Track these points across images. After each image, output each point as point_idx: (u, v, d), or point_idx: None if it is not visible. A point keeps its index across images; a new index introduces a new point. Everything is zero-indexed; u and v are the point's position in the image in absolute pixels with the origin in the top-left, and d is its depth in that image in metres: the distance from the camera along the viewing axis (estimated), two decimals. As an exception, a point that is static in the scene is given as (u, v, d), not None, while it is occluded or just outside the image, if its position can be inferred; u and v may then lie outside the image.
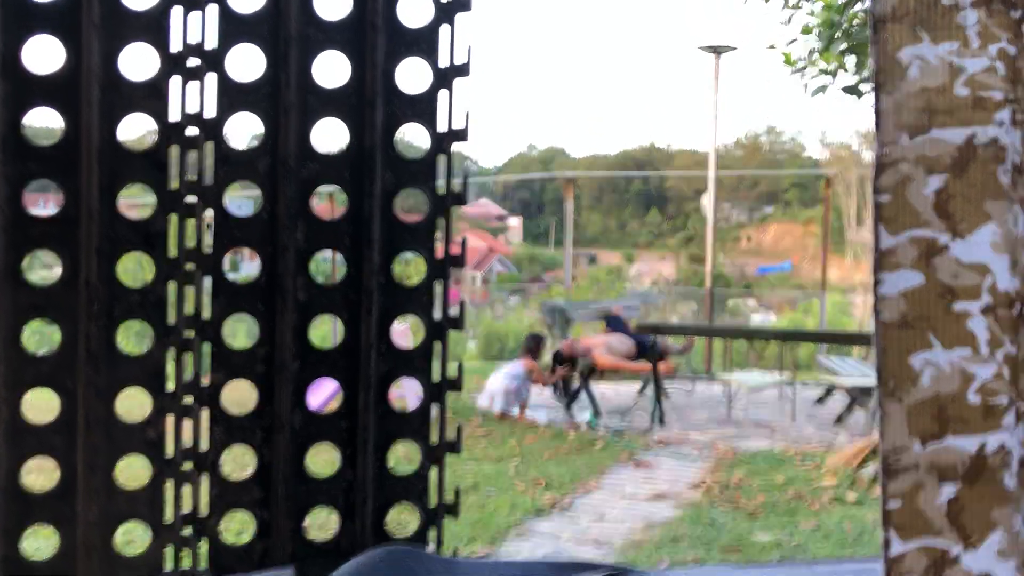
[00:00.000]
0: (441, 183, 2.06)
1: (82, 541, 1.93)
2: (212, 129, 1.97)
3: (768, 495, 5.12)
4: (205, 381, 2.02)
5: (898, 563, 1.21)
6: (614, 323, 9.18)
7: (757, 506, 4.90)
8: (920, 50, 1.20)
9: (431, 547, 2.11)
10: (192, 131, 1.95)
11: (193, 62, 1.95)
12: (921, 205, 1.20)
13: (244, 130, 2.15)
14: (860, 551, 4.18)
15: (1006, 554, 1.21)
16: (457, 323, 2.08)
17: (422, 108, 2.05)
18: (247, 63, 1.97)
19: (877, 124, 1.21)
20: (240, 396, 2.51)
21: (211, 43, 1.96)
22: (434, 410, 2.13)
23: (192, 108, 1.95)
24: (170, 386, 1.98)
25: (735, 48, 12.20)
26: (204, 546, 2.04)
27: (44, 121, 1.92)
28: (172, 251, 1.96)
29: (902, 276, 1.20)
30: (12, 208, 1.87)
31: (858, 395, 7.29)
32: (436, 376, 2.10)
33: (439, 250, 2.09)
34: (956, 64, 1.20)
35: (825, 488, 5.25)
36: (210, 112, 1.97)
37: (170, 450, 1.99)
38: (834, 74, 7.12)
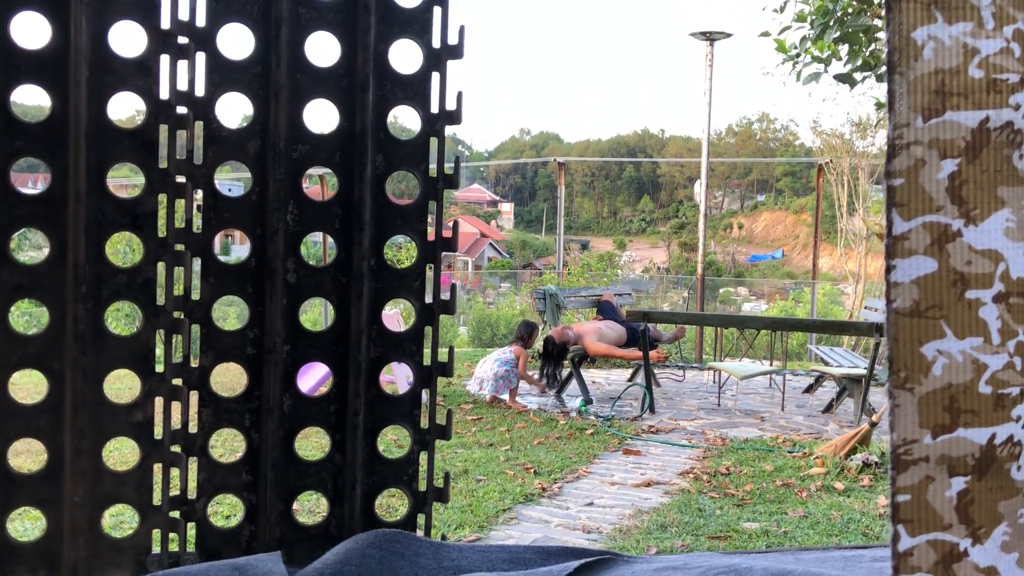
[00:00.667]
0: (433, 166, 2.05)
1: (69, 523, 1.93)
2: (202, 108, 1.95)
3: (756, 483, 5.14)
4: (194, 363, 2.01)
5: (907, 558, 1.19)
6: (605, 310, 9.19)
7: (745, 494, 4.92)
8: (934, 30, 1.17)
9: (420, 532, 2.11)
10: (182, 110, 1.94)
11: (183, 40, 1.93)
12: (935, 190, 1.18)
13: (234, 110, 2.13)
14: (847, 539, 4.20)
15: (1010, 547, 1.20)
16: (448, 308, 2.07)
17: (414, 90, 2.04)
18: (237, 42, 1.95)
19: (890, 105, 1.17)
20: (229, 379, 2.51)
21: (201, 21, 1.94)
22: (424, 395, 2.13)
23: (182, 87, 1.94)
24: (159, 368, 1.98)
25: (729, 35, 12.15)
26: (192, 529, 2.04)
27: (35, 99, 1.91)
28: (161, 232, 1.95)
29: (915, 263, 1.18)
30: (-1, 187, 1.85)
31: (847, 384, 7.32)
32: (427, 361, 2.10)
33: (430, 234, 2.08)
34: (970, 45, 1.17)
35: (813, 477, 5.28)
36: (200, 91, 1.95)
37: (158, 432, 1.98)
38: (827, 62, 7.12)
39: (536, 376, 8.23)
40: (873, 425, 5.80)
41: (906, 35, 1.18)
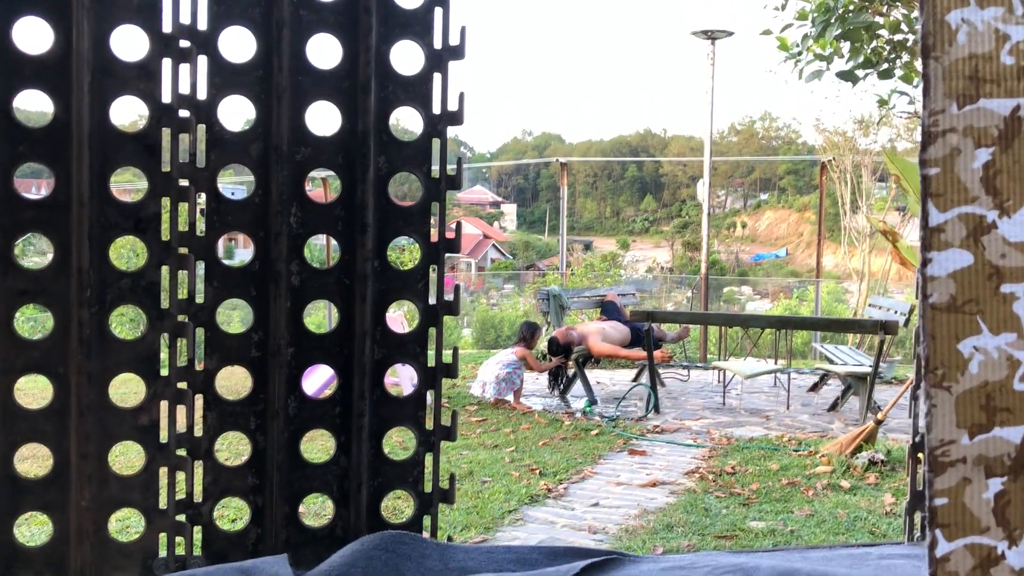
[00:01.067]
0: (435, 168, 2.05)
1: (75, 528, 1.93)
2: (204, 112, 1.96)
3: (762, 482, 5.14)
4: (199, 367, 2.01)
5: (944, 563, 1.16)
6: (609, 310, 9.19)
7: (751, 493, 4.92)
8: (967, 13, 1.15)
9: (426, 533, 2.11)
10: (184, 114, 1.94)
11: (184, 44, 1.93)
12: (969, 180, 1.15)
13: (237, 113, 2.13)
14: (854, 537, 4.20)
15: None
16: (452, 309, 2.07)
17: (416, 91, 2.04)
18: (239, 45, 1.95)
19: (925, 90, 1.15)
20: (234, 382, 2.51)
21: (202, 24, 1.94)
22: (429, 396, 2.13)
23: (184, 90, 1.94)
24: (164, 372, 1.98)
25: (730, 33, 12.14)
26: (198, 533, 2.04)
27: (38, 105, 1.91)
28: (165, 235, 1.95)
29: (951, 256, 1.16)
30: (2, 192, 1.85)
31: (852, 382, 7.31)
32: (431, 362, 2.10)
33: (433, 235, 2.08)
34: (1002, 31, 1.15)
35: (819, 475, 5.27)
36: (202, 95, 1.96)
37: (164, 436, 1.98)
38: (829, 60, 7.11)
39: (544, 364, 8.23)
40: (878, 423, 5.79)
41: (940, 18, 1.15)
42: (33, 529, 3.62)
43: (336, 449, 2.08)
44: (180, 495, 2.01)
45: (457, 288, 2.13)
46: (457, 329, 14.76)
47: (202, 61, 1.94)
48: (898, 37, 7.08)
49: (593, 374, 9.34)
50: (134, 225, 1.93)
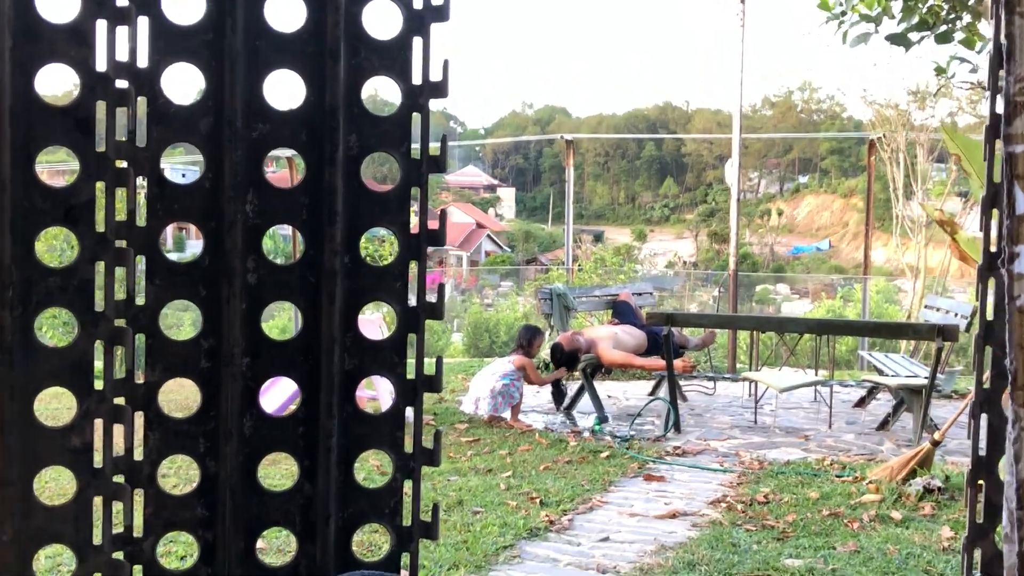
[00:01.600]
0: (416, 146, 2.06)
1: (-5, 566, 1.93)
2: (145, 81, 1.96)
3: (800, 513, 5.15)
4: (140, 379, 2.01)
5: None
6: (622, 312, 9.19)
7: (787, 526, 4.93)
8: None
9: (405, 573, 2.12)
10: (122, 84, 1.94)
11: (122, 3, 1.93)
12: None
13: (184, 84, 2.13)
14: (906, 577, 4.21)
15: None
16: (435, 311, 2.08)
17: (393, 58, 2.04)
18: (186, 4, 1.95)
19: (1010, 52, 1.12)
20: (182, 397, 2.51)
21: (144, -20, 1.94)
22: (409, 414, 2.13)
23: (122, 57, 1.94)
24: (98, 385, 1.98)
25: (764, -10, 12.19)
26: (139, 572, 2.05)
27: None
28: (100, 226, 1.95)
29: None
30: (-91, 175, 1.86)
31: (905, 397, 7.32)
32: (411, 374, 2.10)
33: (414, 225, 2.08)
34: None
35: (866, 505, 5.28)
36: (143, 62, 1.96)
37: (98, 460, 1.99)
38: (877, 21, 7.11)
39: (547, 376, 8.24)
40: (935, 444, 5.80)
41: None
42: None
43: (300, 475, 2.08)
44: (118, 528, 2.01)
45: (442, 287, 2.13)
46: (445, 334, 14.78)
47: (143, 23, 1.94)
48: (959, -6, 7.09)
49: (603, 387, 9.36)
50: (64, 214, 1.93)
